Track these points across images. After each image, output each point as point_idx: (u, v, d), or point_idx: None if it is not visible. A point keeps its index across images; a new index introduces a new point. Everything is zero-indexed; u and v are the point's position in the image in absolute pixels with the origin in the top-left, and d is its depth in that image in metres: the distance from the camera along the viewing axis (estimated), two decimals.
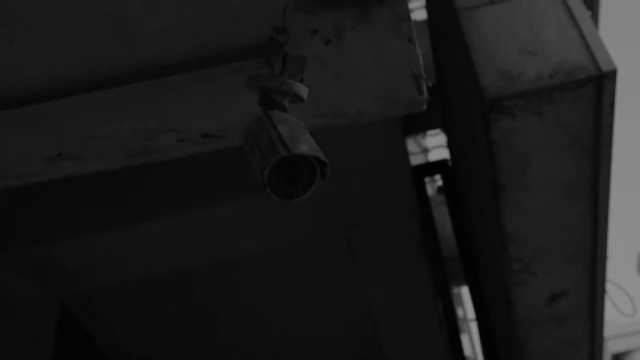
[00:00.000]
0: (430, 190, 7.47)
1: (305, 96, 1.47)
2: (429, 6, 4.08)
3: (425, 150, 8.21)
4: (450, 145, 5.41)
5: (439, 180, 7.73)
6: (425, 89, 1.70)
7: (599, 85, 2.33)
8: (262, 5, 1.49)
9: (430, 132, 8.26)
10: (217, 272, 4.91)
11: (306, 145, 1.29)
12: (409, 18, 1.56)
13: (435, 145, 8.14)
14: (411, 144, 8.24)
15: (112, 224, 4.56)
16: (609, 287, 3.66)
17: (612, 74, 2.32)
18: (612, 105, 2.39)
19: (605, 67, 2.33)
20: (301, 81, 1.47)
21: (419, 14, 6.04)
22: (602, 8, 3.95)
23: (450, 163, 5.52)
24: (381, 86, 1.68)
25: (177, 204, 4.58)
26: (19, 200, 4.73)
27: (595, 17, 3.91)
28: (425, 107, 1.74)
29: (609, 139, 2.48)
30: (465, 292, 8.05)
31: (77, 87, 1.56)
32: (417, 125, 5.33)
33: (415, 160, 6.29)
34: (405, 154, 4.72)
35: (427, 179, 7.10)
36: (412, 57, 1.63)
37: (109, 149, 1.72)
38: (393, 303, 5.17)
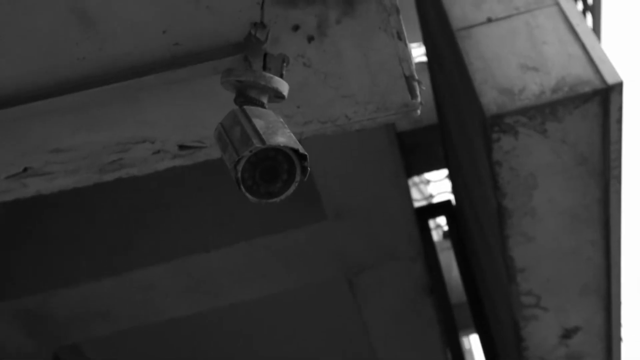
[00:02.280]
0: (436, 236, 7.33)
1: (285, 92, 1.35)
2: (425, 35, 4.01)
3: (430, 197, 8.09)
4: (454, 184, 5.29)
5: (444, 226, 7.61)
6: (418, 92, 1.58)
7: (605, 99, 2.21)
8: None
9: (433, 178, 8.17)
10: (215, 319, 4.73)
11: (283, 138, 1.16)
12: (397, 11, 1.45)
13: (439, 192, 8.03)
14: (414, 192, 8.14)
15: (106, 272, 4.43)
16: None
17: (618, 87, 2.20)
18: (619, 121, 2.26)
19: (610, 80, 2.21)
20: (281, 77, 1.36)
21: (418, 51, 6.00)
22: (604, 20, 3.87)
23: (454, 204, 5.39)
24: (370, 89, 1.56)
25: (173, 251, 4.45)
26: (10, 250, 4.61)
27: (597, 30, 3.82)
28: (419, 111, 1.62)
29: (618, 157, 2.35)
30: (474, 340, 7.81)
31: (41, 92, 1.44)
32: (419, 164, 5.21)
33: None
34: (407, 194, 4.60)
35: (432, 225, 6.97)
36: (402, 55, 1.51)
37: (78, 162, 1.59)
38: (399, 350, 4.97)
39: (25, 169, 1.60)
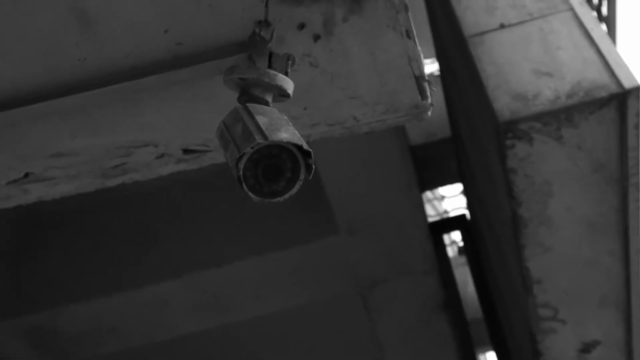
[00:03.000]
0: (451, 252, 7.24)
1: (290, 90, 1.30)
2: (437, 46, 3.97)
3: (445, 213, 8.01)
4: (469, 199, 5.22)
5: (459, 242, 7.52)
6: (428, 92, 1.53)
7: (622, 104, 2.15)
8: None
9: (447, 194, 8.09)
10: (227, 335, 4.67)
11: (287, 134, 1.12)
12: (406, 8, 1.40)
13: (454, 208, 7.95)
14: (429, 208, 8.07)
15: (116, 288, 4.39)
16: None
17: (635, 91, 2.15)
18: (637, 126, 2.20)
19: (627, 84, 2.15)
20: (286, 75, 1.31)
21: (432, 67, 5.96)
22: (619, 32, 3.81)
23: (469, 219, 5.32)
24: (379, 89, 1.51)
25: (184, 266, 4.41)
26: (19, 266, 4.58)
27: (612, 35, 3.76)
28: (429, 113, 1.57)
29: (636, 164, 2.28)
30: (491, 357, 7.68)
31: (41, 94, 1.41)
32: (433, 178, 5.15)
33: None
34: (420, 208, 4.54)
35: (447, 242, 6.88)
36: (412, 54, 1.46)
37: (80, 167, 1.55)
38: None
39: (26, 175, 1.56)
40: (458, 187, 6.95)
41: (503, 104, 2.22)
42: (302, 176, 1.15)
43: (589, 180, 2.32)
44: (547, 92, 2.22)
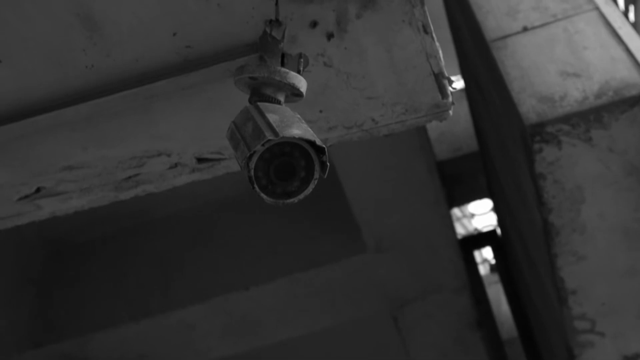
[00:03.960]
0: (483, 270, 7.12)
1: (303, 89, 1.25)
2: (461, 57, 3.90)
3: (475, 231, 7.88)
4: (499, 214, 5.11)
5: (491, 260, 7.39)
6: (449, 91, 1.46)
7: None
8: None
9: (477, 212, 7.97)
10: (256, 358, 4.60)
11: (299, 130, 1.06)
12: (422, 2, 1.35)
13: (484, 226, 7.84)
14: (458, 227, 7.95)
15: (143, 314, 4.36)
16: None
17: None
18: None
19: None
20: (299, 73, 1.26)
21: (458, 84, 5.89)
22: None
23: (500, 235, 5.20)
24: (397, 89, 1.46)
25: (211, 290, 4.37)
26: (47, 296, 4.58)
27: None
28: (451, 112, 1.50)
29: None
30: None
31: (49, 104, 1.37)
32: (462, 194, 5.05)
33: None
34: (449, 223, 4.45)
35: (479, 260, 6.75)
36: (430, 50, 1.40)
37: (92, 180, 1.51)
38: None
39: (38, 189, 1.53)
40: (488, 204, 6.85)
41: (529, 107, 2.14)
42: (316, 175, 1.10)
43: (622, 184, 2.23)
44: (575, 93, 2.14)
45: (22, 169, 1.48)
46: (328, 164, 1.09)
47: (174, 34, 1.33)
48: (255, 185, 1.06)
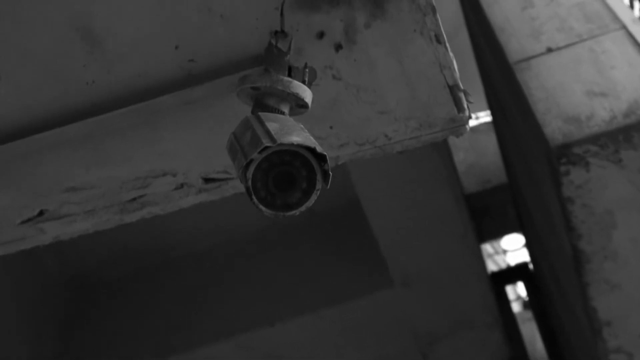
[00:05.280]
0: (516, 307, 6.93)
1: (308, 100, 1.19)
2: (486, 85, 3.83)
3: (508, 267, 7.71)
4: (530, 249, 4.98)
5: (524, 297, 7.20)
6: (465, 104, 1.40)
7: None
8: (255, 3, 1.25)
9: (509, 248, 7.81)
10: None
11: (299, 137, 1.00)
12: (433, 10, 1.29)
13: (517, 262, 7.67)
14: (490, 264, 7.79)
15: (168, 352, 4.29)
16: None
17: None
18: None
19: None
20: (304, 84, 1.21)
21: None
22: None
23: (532, 269, 5.06)
24: (410, 103, 1.39)
25: (236, 326, 4.29)
26: (71, 333, 4.54)
27: None
28: (468, 127, 1.43)
29: None
30: None
31: (50, 122, 1.33)
32: (491, 228, 4.94)
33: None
34: (479, 258, 4.34)
35: (512, 297, 6.57)
36: (443, 61, 1.34)
37: (95, 202, 1.46)
38: None
39: (40, 212, 1.48)
40: (520, 239, 6.69)
41: (554, 128, 2.06)
42: (319, 185, 1.03)
43: None
44: (602, 113, 2.06)
45: (24, 190, 1.44)
46: (330, 173, 1.03)
47: (177, 47, 1.29)
48: (254, 197, 1.00)
